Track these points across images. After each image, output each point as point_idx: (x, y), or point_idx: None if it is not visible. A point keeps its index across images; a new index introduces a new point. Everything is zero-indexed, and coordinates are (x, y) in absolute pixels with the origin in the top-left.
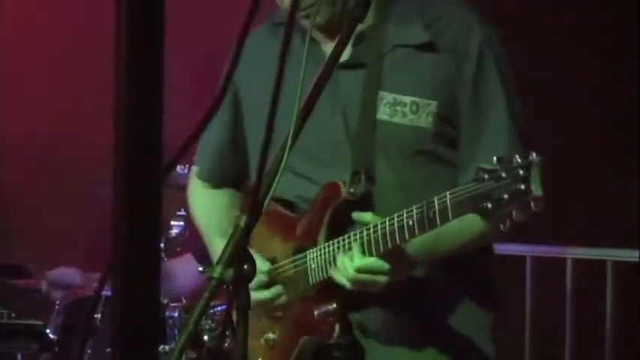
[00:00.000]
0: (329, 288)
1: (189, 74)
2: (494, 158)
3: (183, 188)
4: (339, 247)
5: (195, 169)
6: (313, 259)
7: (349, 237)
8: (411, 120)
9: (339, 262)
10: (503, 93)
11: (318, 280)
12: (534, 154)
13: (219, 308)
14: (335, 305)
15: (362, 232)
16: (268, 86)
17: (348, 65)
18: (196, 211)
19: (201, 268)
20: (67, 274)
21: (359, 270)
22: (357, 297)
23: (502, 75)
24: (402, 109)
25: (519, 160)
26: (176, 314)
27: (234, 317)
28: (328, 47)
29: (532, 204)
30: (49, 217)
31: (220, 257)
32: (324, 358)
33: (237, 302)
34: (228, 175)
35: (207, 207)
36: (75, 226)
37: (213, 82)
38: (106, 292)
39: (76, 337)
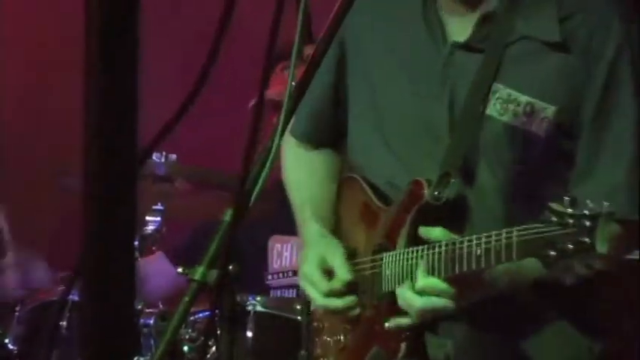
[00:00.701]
0: None
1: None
2: (566, 199)
3: (160, 179)
4: (414, 258)
5: (290, 126)
6: (389, 264)
7: (427, 249)
8: (523, 123)
9: (400, 297)
10: (636, 107)
11: (390, 288)
12: (606, 204)
13: (200, 315)
14: (407, 320)
15: (439, 247)
16: (380, 42)
17: (467, 47)
18: (286, 175)
19: (180, 269)
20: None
21: (422, 291)
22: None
23: (638, 87)
24: (515, 107)
25: (590, 207)
26: (152, 321)
27: (218, 325)
28: (454, 22)
29: (596, 261)
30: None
31: (203, 257)
32: None
33: (222, 308)
34: (326, 135)
35: (297, 170)
36: (40, 221)
37: (198, 63)
38: (74, 297)
39: (39, 347)
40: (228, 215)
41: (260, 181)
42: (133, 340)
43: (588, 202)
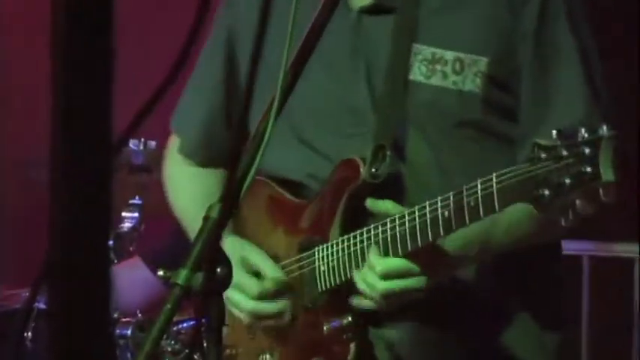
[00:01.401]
0: (343, 296)
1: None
2: (554, 132)
3: (137, 169)
4: (355, 245)
5: (174, 141)
6: (323, 258)
7: (369, 231)
8: (454, 82)
9: (359, 282)
10: (576, 46)
11: (328, 285)
12: (605, 128)
13: (184, 325)
14: (350, 319)
15: (384, 226)
16: (278, 32)
17: (374, 10)
18: (177, 198)
19: (161, 272)
20: None
21: (385, 275)
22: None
23: (574, 23)
24: (443, 67)
25: (585, 135)
26: (129, 332)
27: (205, 336)
28: None
29: (601, 192)
30: None
31: (187, 258)
32: None
33: (209, 317)
34: (220, 150)
35: (192, 193)
36: (3, 217)
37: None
38: (40, 304)
39: None
40: (215, 210)
41: (251, 172)
42: (108, 353)
43: (582, 129)
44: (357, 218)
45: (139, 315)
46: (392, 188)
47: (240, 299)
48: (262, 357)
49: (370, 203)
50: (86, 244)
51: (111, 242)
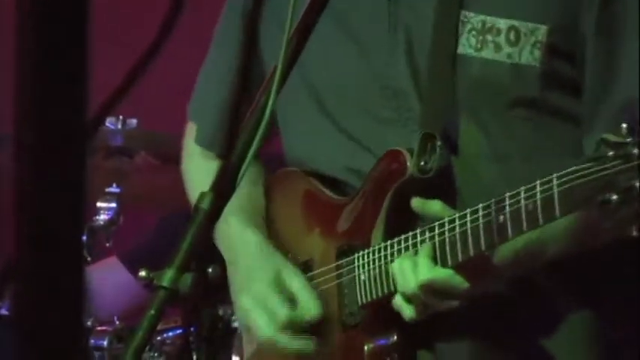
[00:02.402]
0: (387, 311)
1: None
2: (624, 126)
3: (115, 152)
4: (400, 251)
5: (191, 129)
6: (364, 266)
7: (415, 236)
8: (509, 55)
9: (396, 269)
10: None
11: (369, 298)
12: None
13: (170, 334)
14: (395, 338)
15: (432, 231)
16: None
17: None
18: (193, 196)
19: (143, 273)
20: None
21: (423, 287)
22: (429, 324)
23: None
24: (495, 38)
25: None
26: (105, 343)
27: (194, 347)
28: None
29: None
30: None
31: (173, 256)
32: None
33: (198, 325)
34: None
35: None
36: None
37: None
38: (3, 310)
39: None
40: (206, 202)
41: (248, 158)
42: None
43: None
44: (403, 219)
45: (117, 323)
46: (441, 184)
47: (262, 321)
48: None
49: (416, 204)
50: (56, 240)
51: (84, 237)
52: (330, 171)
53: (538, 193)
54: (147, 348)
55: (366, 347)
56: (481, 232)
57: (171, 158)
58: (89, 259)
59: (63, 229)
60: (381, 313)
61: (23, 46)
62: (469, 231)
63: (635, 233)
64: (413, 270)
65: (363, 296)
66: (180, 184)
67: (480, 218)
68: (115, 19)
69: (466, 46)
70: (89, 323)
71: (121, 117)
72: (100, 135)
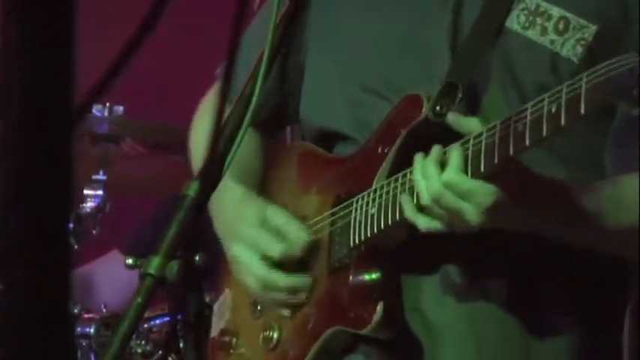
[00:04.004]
0: (374, 254)
1: None
2: None
3: (101, 139)
4: (403, 184)
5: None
6: (361, 207)
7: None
8: (552, 41)
9: (417, 170)
10: None
11: (362, 237)
12: None
13: (157, 322)
14: (379, 274)
15: (465, 144)
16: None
17: None
18: (194, 130)
19: (130, 261)
20: None
21: (448, 186)
22: (419, 263)
23: None
24: (545, 22)
25: None
26: (92, 330)
27: (181, 335)
28: None
29: None
30: None
31: (160, 244)
32: None
33: (185, 312)
34: (263, 116)
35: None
36: None
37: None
38: None
39: None
40: (192, 189)
41: (236, 143)
42: (68, 355)
43: None
44: (411, 163)
45: (104, 311)
46: (456, 132)
47: (253, 260)
48: (266, 334)
49: (453, 118)
50: (40, 230)
51: (71, 225)
52: (343, 125)
53: (564, 94)
54: (134, 335)
55: (349, 285)
56: (496, 143)
57: (158, 145)
58: (76, 246)
59: (47, 218)
60: (369, 254)
61: (9, 33)
62: (483, 145)
63: None
64: (437, 171)
65: (357, 236)
66: (166, 171)
67: (497, 132)
68: (102, 7)
69: (514, 21)
70: (75, 311)
71: (107, 104)
72: (86, 122)
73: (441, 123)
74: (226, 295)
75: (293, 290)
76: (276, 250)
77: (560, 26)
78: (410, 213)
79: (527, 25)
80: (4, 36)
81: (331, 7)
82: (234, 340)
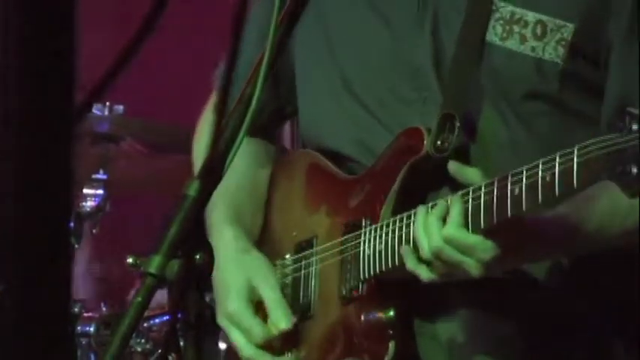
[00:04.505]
0: (387, 287)
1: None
2: None
3: (101, 138)
4: (408, 226)
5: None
6: (370, 241)
7: (433, 206)
8: (533, 48)
9: (419, 224)
10: None
11: (372, 272)
12: None
13: (156, 321)
14: (392, 313)
15: (465, 196)
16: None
17: None
18: (197, 140)
19: (130, 260)
20: None
21: (448, 240)
22: (430, 301)
23: None
24: (522, 30)
25: None
26: (92, 329)
27: (181, 334)
28: None
29: None
30: None
31: (160, 243)
32: None
33: (185, 312)
34: (263, 120)
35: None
36: None
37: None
38: None
39: None
40: (193, 188)
41: (237, 142)
42: (68, 354)
43: None
44: (414, 198)
45: (104, 309)
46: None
47: (240, 340)
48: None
49: (453, 166)
50: (42, 229)
51: (71, 224)
52: (342, 144)
53: (557, 165)
54: (134, 334)
55: (362, 321)
56: (494, 204)
57: (158, 145)
58: (76, 245)
59: (49, 217)
60: (381, 288)
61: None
62: (482, 204)
63: None
64: (439, 226)
65: (366, 271)
66: (166, 170)
67: (495, 190)
68: (102, 6)
69: (492, 34)
70: (75, 310)
71: (107, 103)
72: (86, 121)
73: (442, 158)
74: None
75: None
76: (257, 334)
77: (538, 31)
78: (411, 264)
79: (504, 35)
80: (5, 34)
81: (317, 15)
82: None
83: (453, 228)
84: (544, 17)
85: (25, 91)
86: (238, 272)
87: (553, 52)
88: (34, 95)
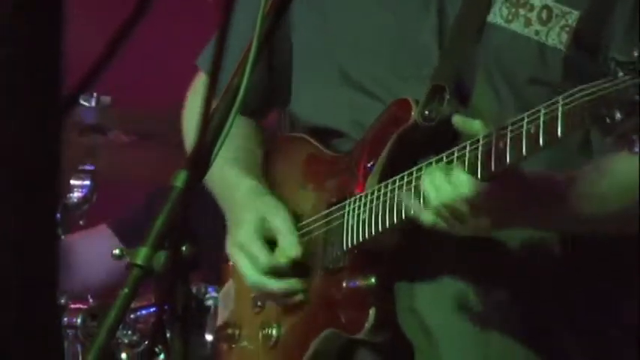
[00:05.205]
0: (369, 257)
1: None
2: (636, 54)
3: (88, 130)
4: (392, 191)
5: (200, 78)
6: (354, 210)
7: (411, 174)
8: (537, 32)
9: (427, 180)
10: None
11: (355, 242)
12: None
13: (143, 312)
14: (373, 280)
15: (463, 149)
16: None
17: None
18: (187, 119)
19: (117, 251)
20: None
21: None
22: (417, 268)
23: None
24: (527, 13)
25: None
26: (79, 321)
27: (168, 326)
28: None
29: None
30: None
31: (147, 234)
32: None
33: (172, 303)
34: (255, 102)
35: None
36: None
37: None
38: None
39: None
40: (180, 179)
41: (224, 133)
42: (54, 346)
43: None
44: (401, 167)
45: (91, 300)
46: (445, 135)
47: (247, 267)
48: (266, 331)
49: (458, 120)
50: (29, 219)
51: (58, 215)
52: (336, 123)
53: (542, 115)
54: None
55: (343, 291)
56: (479, 160)
57: (145, 135)
58: (63, 236)
59: (36, 208)
60: (363, 257)
61: None
62: (467, 160)
63: (636, 150)
64: (446, 178)
65: (349, 240)
66: (153, 161)
67: (480, 147)
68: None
69: (497, 15)
70: (62, 301)
71: (94, 94)
72: (73, 112)
73: (430, 127)
74: (229, 286)
75: (285, 294)
76: (263, 260)
77: (544, 15)
78: (416, 208)
79: (510, 17)
80: None
81: (316, 4)
82: (237, 332)
83: (462, 174)
84: (550, 3)
85: (11, 82)
86: (254, 209)
87: (556, 37)
88: (20, 86)
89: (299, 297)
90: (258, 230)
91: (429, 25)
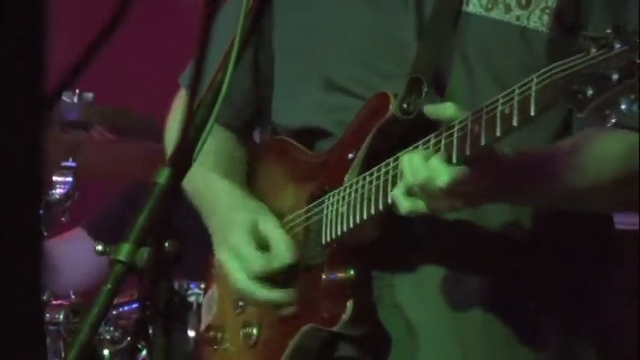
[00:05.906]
0: (347, 252)
1: None
2: (608, 31)
3: (71, 126)
4: (370, 183)
5: (182, 95)
6: (333, 204)
7: (388, 164)
8: (518, 17)
9: (405, 158)
10: None
11: (333, 236)
12: None
13: (126, 308)
14: (352, 272)
15: (439, 135)
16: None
17: None
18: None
19: (99, 247)
20: None
21: (433, 170)
22: (398, 263)
23: None
24: (506, 0)
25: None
26: (61, 317)
27: (150, 322)
28: None
29: None
30: None
31: (130, 230)
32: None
33: (155, 299)
34: (237, 110)
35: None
36: None
37: None
38: None
39: None
40: (163, 176)
41: (206, 129)
42: (36, 342)
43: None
44: (381, 161)
45: (73, 297)
46: (424, 128)
47: (237, 271)
48: (246, 330)
49: (430, 109)
50: (12, 216)
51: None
52: (320, 125)
53: (516, 96)
54: (103, 322)
55: (322, 285)
56: (454, 145)
57: (127, 132)
58: (45, 233)
59: (19, 204)
60: (342, 252)
61: None
62: (442, 146)
63: (610, 124)
64: (424, 162)
65: (328, 234)
66: (135, 158)
67: (455, 133)
68: None
69: (477, 4)
70: (44, 297)
71: (77, 91)
72: (56, 109)
73: (409, 120)
74: (214, 290)
75: (272, 306)
76: (257, 264)
77: (523, 0)
78: (397, 192)
79: (489, 6)
80: None
81: (298, 4)
82: (220, 335)
83: (437, 162)
84: None
85: None
86: (244, 212)
87: (538, 20)
88: (2, 83)
89: (288, 310)
90: (250, 232)
91: (407, 21)
